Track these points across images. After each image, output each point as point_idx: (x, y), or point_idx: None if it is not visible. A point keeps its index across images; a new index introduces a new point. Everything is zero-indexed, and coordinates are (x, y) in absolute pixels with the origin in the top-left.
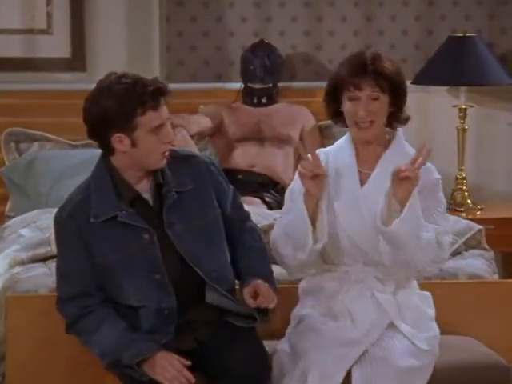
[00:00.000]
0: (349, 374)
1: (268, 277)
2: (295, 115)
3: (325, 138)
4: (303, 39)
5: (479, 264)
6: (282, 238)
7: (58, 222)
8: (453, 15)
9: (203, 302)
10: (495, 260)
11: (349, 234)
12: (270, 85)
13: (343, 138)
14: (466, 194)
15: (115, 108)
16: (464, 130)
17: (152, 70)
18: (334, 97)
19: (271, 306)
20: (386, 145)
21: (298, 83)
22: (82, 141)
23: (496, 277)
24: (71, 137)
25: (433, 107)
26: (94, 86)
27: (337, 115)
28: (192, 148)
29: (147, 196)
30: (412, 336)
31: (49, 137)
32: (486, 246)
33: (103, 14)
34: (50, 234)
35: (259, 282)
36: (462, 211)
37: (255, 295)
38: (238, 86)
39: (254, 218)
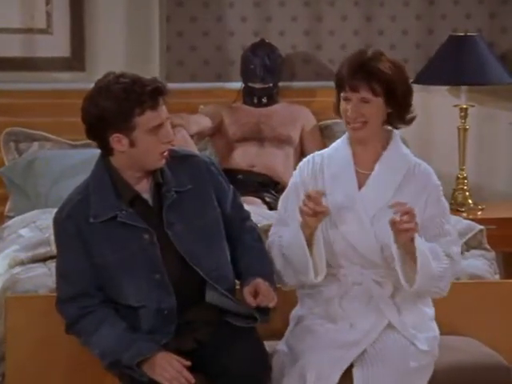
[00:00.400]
0: (350, 375)
1: (268, 276)
2: (295, 115)
3: (325, 137)
4: (303, 39)
5: (480, 264)
6: (279, 258)
7: (58, 222)
8: (453, 14)
9: (203, 301)
10: (496, 260)
11: (345, 237)
12: (271, 84)
13: (340, 138)
14: (467, 193)
15: (113, 108)
16: (465, 130)
17: (152, 70)
18: (337, 94)
19: (271, 304)
20: (384, 145)
21: (298, 83)
22: (82, 141)
23: (497, 277)
24: (71, 137)
25: (434, 107)
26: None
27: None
28: (192, 148)
29: (147, 196)
30: (412, 337)
31: (48, 137)
32: (487, 247)
33: (103, 14)
34: (50, 234)
35: (259, 280)
36: (462, 211)
37: (255, 294)
38: (237, 85)
39: (255, 218)
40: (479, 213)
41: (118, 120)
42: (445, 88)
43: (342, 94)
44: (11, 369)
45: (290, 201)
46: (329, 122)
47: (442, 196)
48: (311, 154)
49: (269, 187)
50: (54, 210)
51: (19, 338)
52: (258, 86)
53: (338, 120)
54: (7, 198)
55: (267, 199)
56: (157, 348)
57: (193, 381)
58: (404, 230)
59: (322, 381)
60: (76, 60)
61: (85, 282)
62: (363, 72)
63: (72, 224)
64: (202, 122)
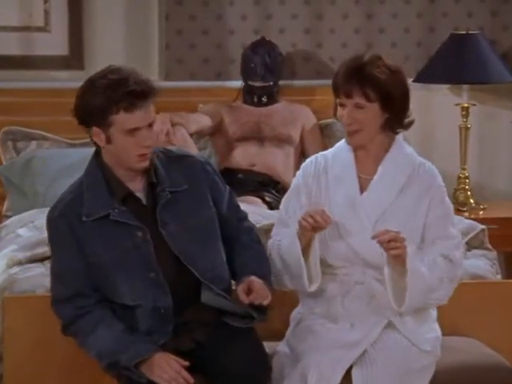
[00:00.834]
0: (349, 376)
1: (264, 275)
2: (296, 114)
3: (325, 136)
4: (303, 37)
5: (482, 264)
6: (278, 261)
7: (50, 221)
8: (455, 12)
9: (200, 302)
10: (498, 260)
11: (347, 241)
12: (271, 83)
13: (342, 140)
14: (469, 193)
15: (92, 102)
16: (466, 129)
17: (151, 69)
18: (335, 99)
19: (265, 302)
20: (387, 147)
21: (299, 81)
22: (80, 140)
23: (499, 277)
24: (69, 135)
25: (435, 105)
26: None
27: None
28: (191, 147)
29: (140, 195)
30: (413, 337)
31: (46, 135)
32: (489, 246)
33: (101, 12)
34: None
35: (253, 278)
36: (464, 211)
37: (249, 292)
38: (237, 84)
39: (254, 218)
40: (481, 212)
41: (96, 114)
42: (446, 87)
43: (337, 100)
44: (9, 369)
45: (292, 203)
46: (329, 120)
47: (446, 197)
48: (314, 155)
49: (269, 187)
50: None
51: (17, 339)
52: (258, 84)
53: None
54: (5, 198)
55: (267, 199)
56: (155, 349)
57: (191, 381)
58: (392, 252)
59: (323, 381)
60: (74, 58)
61: (79, 281)
62: (357, 78)
63: (64, 223)
64: (202, 120)
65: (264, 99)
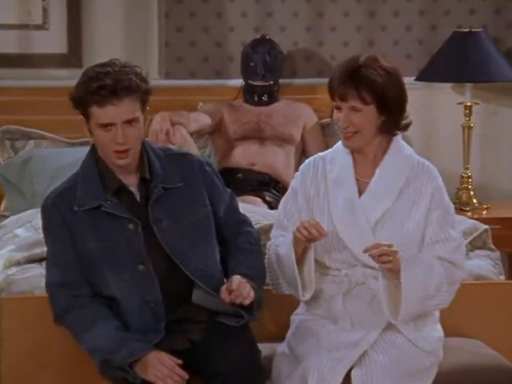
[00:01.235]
0: (349, 376)
1: (253, 276)
2: (297, 113)
3: (326, 135)
4: (304, 35)
5: (485, 265)
6: (275, 266)
7: (43, 210)
8: (457, 10)
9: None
10: (501, 260)
11: (346, 244)
12: (271, 82)
13: (340, 142)
14: (472, 193)
15: (75, 90)
16: (469, 128)
17: (150, 67)
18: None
19: (246, 302)
20: (385, 150)
21: (300, 80)
22: (79, 139)
23: (502, 278)
24: (67, 135)
25: (437, 104)
26: None
27: None
28: (192, 146)
29: (134, 190)
30: (414, 338)
31: (45, 135)
32: (492, 247)
33: (100, 10)
34: None
35: (236, 277)
36: (467, 211)
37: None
38: (237, 82)
39: (255, 218)
40: (484, 212)
41: (77, 104)
42: (449, 85)
43: (333, 103)
44: (6, 370)
45: (289, 205)
46: (330, 119)
47: (446, 198)
48: (312, 157)
49: (269, 186)
50: None
51: (14, 340)
52: (258, 83)
53: None
54: (2, 197)
55: (267, 198)
56: (148, 348)
57: (186, 377)
58: (384, 266)
59: (324, 382)
60: (73, 56)
61: (71, 270)
62: (352, 80)
63: (56, 212)
64: (202, 119)
65: (264, 98)
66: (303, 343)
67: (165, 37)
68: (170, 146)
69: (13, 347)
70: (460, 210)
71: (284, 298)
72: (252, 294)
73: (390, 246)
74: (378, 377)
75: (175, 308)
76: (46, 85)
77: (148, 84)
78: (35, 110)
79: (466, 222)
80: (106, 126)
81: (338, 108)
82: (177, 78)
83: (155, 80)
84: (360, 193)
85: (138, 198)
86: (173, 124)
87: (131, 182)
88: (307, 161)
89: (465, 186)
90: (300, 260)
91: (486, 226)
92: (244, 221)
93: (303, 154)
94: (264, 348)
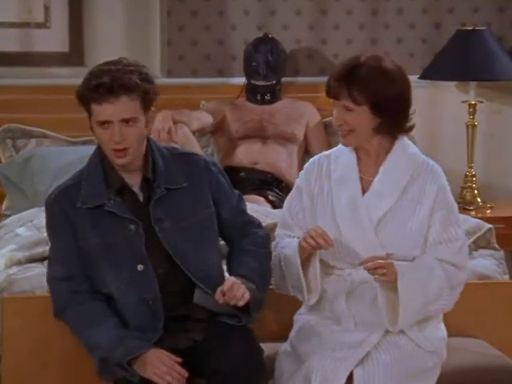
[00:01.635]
0: (351, 376)
1: (251, 278)
2: (299, 112)
3: (329, 134)
4: (307, 33)
5: (489, 264)
6: (279, 269)
7: (47, 205)
8: (461, 8)
9: (193, 301)
10: (505, 260)
11: (348, 243)
12: (273, 81)
13: None
14: (476, 192)
15: (80, 87)
16: (473, 126)
17: (152, 65)
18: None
19: (240, 303)
20: (388, 149)
21: (302, 78)
22: (81, 137)
23: (506, 277)
24: (69, 133)
25: (441, 103)
26: None
27: None
28: (194, 145)
29: (137, 190)
30: (417, 338)
31: (46, 133)
32: (496, 246)
33: (102, 8)
34: None
35: (232, 279)
36: (471, 210)
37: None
38: (239, 81)
39: (258, 217)
40: (488, 211)
41: (81, 100)
42: (453, 84)
43: (330, 100)
44: (7, 370)
45: (294, 204)
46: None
47: (451, 198)
48: (317, 155)
49: (272, 185)
50: None
51: (16, 340)
52: (260, 83)
53: None
54: (4, 196)
55: (270, 197)
56: (147, 346)
57: (186, 375)
58: (379, 278)
59: (327, 382)
60: (75, 55)
61: (72, 266)
62: (345, 80)
63: (59, 208)
64: (204, 118)
65: (267, 97)
66: (306, 343)
67: (167, 35)
68: (176, 146)
69: (14, 347)
70: (464, 209)
71: (287, 297)
72: (247, 295)
73: (385, 258)
74: (379, 376)
75: (175, 307)
76: (47, 83)
77: (151, 85)
78: (37, 108)
79: (469, 221)
80: (103, 123)
81: (334, 105)
82: (179, 76)
83: (157, 78)
84: (364, 191)
85: (140, 198)
86: (175, 122)
87: (134, 181)
88: (312, 159)
89: (469, 184)
90: (305, 263)
91: (490, 225)
92: (251, 222)
93: (306, 152)
94: (267, 348)
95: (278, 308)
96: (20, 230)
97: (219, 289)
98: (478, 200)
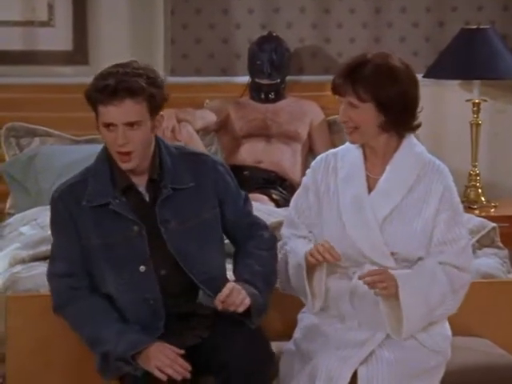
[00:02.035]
0: (355, 375)
1: (254, 282)
2: (303, 110)
3: (333, 133)
4: (311, 32)
5: (493, 263)
6: (286, 273)
7: (52, 201)
8: (465, 6)
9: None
10: (509, 259)
11: (354, 241)
12: (278, 80)
13: None
14: (480, 190)
15: (88, 87)
16: (477, 125)
17: (156, 64)
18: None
19: (240, 309)
20: (395, 147)
21: (306, 77)
22: (85, 136)
23: (510, 276)
24: (73, 132)
25: (445, 101)
26: None
27: None
28: (198, 144)
29: (143, 190)
30: (421, 337)
31: (50, 132)
32: (500, 245)
33: (106, 6)
34: None
35: (232, 284)
36: (475, 208)
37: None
38: (243, 79)
39: (262, 216)
40: (492, 210)
41: (88, 100)
42: (457, 82)
43: (336, 97)
44: (12, 369)
45: (300, 202)
46: (337, 116)
47: (456, 198)
48: (324, 153)
49: (276, 184)
50: None
51: (20, 338)
52: (264, 82)
53: None
54: (8, 195)
55: (274, 196)
56: (150, 340)
57: (189, 368)
58: (379, 292)
59: (331, 382)
60: (79, 53)
61: (75, 263)
62: (350, 77)
63: (62, 205)
64: (208, 116)
65: (271, 96)
66: (311, 342)
67: (170, 34)
68: (185, 145)
69: (18, 345)
70: (468, 207)
71: (291, 296)
72: (247, 301)
73: (384, 271)
74: (383, 375)
75: (177, 306)
76: (51, 82)
77: (158, 89)
78: (40, 107)
79: (473, 220)
80: (108, 125)
81: (340, 101)
82: (182, 75)
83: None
84: (370, 190)
85: (146, 198)
86: (179, 121)
87: (141, 181)
88: (319, 157)
89: (473, 183)
90: (311, 268)
91: (494, 224)
92: (257, 224)
93: (310, 151)
94: (271, 346)
95: (282, 307)
96: (24, 229)
97: (217, 296)
98: (482, 199)
